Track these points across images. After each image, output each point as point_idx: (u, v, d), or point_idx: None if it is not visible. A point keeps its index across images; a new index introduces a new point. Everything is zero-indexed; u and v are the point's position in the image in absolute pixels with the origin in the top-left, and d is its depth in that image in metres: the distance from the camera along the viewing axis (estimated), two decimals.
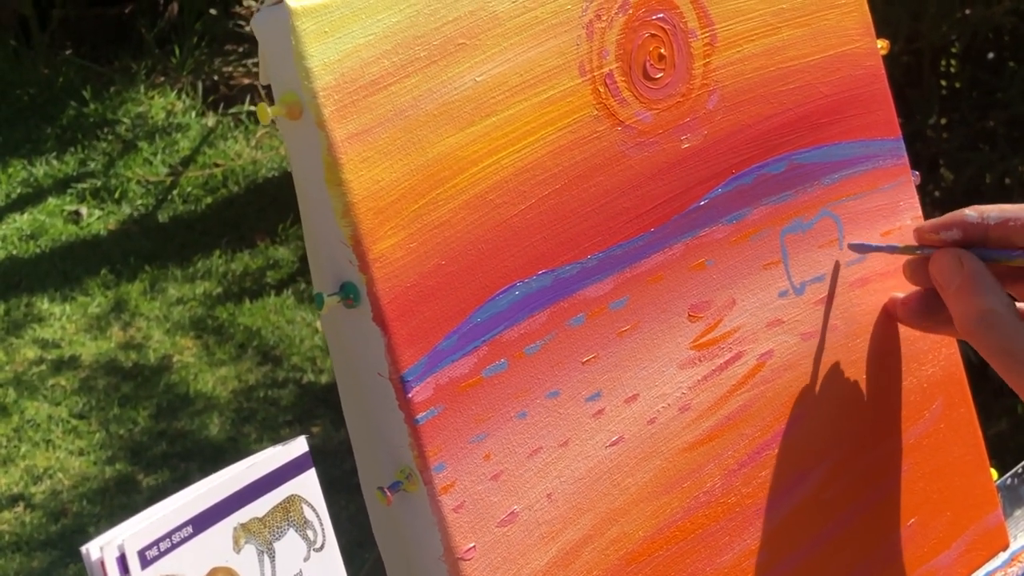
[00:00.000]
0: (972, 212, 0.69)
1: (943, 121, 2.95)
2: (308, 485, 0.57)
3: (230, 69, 4.61)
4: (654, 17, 0.66)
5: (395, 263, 0.57)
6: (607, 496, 0.63)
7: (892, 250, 0.73)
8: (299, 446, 0.57)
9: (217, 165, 4.08)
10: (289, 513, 0.56)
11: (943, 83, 3.05)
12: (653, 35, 0.66)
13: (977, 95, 3.00)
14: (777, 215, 0.71)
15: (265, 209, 3.90)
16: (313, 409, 3.01)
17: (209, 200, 3.96)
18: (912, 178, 0.78)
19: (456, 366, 0.58)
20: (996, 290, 0.67)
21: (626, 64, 0.65)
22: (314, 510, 0.57)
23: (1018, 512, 0.85)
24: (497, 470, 0.59)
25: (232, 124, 4.31)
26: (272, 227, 3.79)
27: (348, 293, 0.57)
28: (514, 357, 0.60)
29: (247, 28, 4.46)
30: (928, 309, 0.71)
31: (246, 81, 4.49)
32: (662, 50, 0.66)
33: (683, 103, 0.67)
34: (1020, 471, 0.86)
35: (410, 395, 0.57)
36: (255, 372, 3.16)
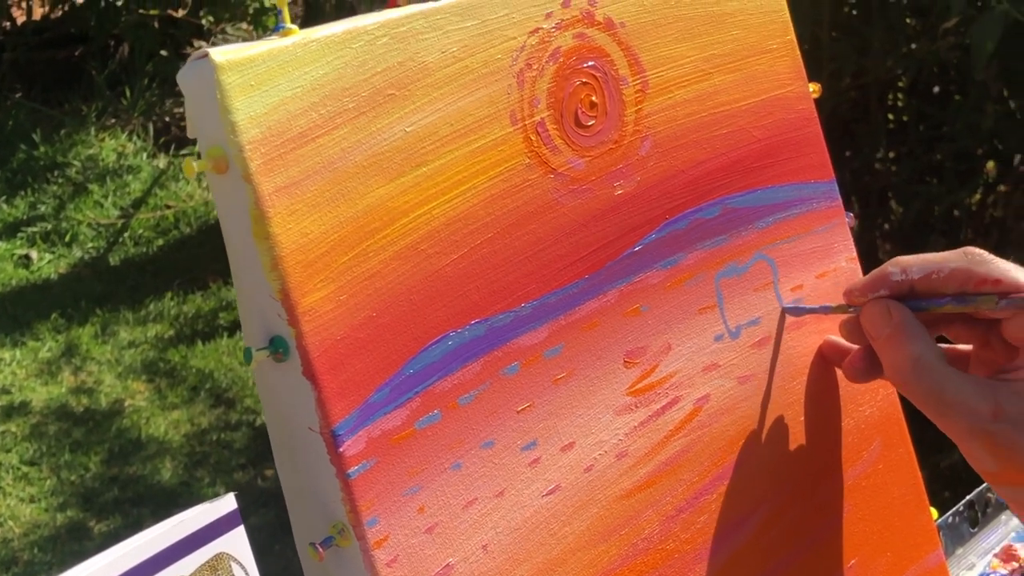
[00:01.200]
0: (894, 269, 0.69)
1: (891, 155, 2.98)
2: (237, 542, 0.57)
3: (181, 110, 4.60)
4: (585, 65, 0.66)
5: (325, 316, 0.57)
6: (544, 546, 0.63)
7: (826, 311, 0.73)
8: (228, 503, 0.56)
9: (168, 207, 4.06)
10: (217, 571, 0.55)
11: (890, 117, 3.08)
12: (584, 83, 0.66)
13: (924, 129, 3.04)
14: (712, 259, 0.71)
15: (217, 250, 3.87)
16: (267, 452, 2.98)
17: (161, 242, 3.94)
18: (847, 220, 0.78)
19: (388, 419, 0.58)
20: (924, 337, 0.67)
21: (557, 112, 0.65)
22: (243, 568, 0.56)
23: (960, 550, 0.85)
24: (431, 523, 0.59)
25: (183, 165, 4.29)
26: (224, 268, 3.74)
27: (277, 347, 0.56)
28: (448, 408, 0.60)
29: None
30: (870, 365, 0.71)
31: None
32: (593, 97, 0.67)
33: (616, 150, 0.67)
34: (961, 509, 0.87)
35: (341, 449, 0.56)
36: (208, 415, 3.13)
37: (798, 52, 0.77)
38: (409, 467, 0.59)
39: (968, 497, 0.86)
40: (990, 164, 3.16)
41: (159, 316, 3.56)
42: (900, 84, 2.96)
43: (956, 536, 0.85)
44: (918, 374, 0.66)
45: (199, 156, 0.56)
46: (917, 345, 0.67)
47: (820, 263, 0.76)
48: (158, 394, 3.21)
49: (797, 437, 0.73)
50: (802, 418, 0.74)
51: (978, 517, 0.87)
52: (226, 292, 3.68)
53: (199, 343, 3.43)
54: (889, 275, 0.69)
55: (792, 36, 0.77)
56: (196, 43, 4.53)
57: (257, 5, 4.56)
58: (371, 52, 0.59)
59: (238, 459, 2.97)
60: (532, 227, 0.64)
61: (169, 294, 3.65)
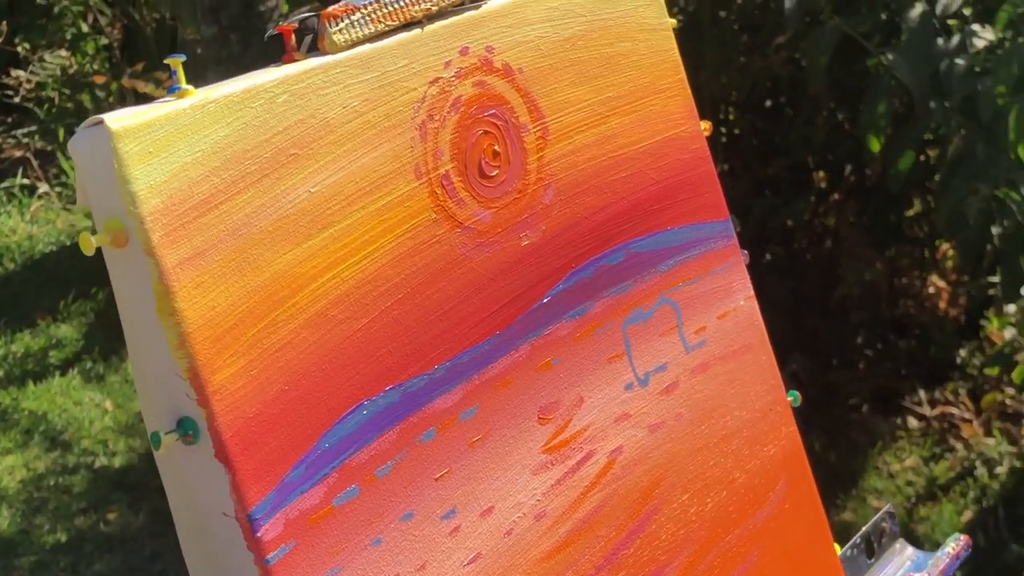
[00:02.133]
0: None
1: (727, 168, 3.02)
2: None
3: None
4: (486, 114, 0.64)
5: (236, 393, 0.53)
6: None
7: None
8: None
9: None
10: None
11: (723, 131, 3.12)
12: (487, 132, 0.64)
13: (757, 143, 3.09)
14: (618, 307, 0.69)
15: (44, 286, 3.75)
16: (108, 494, 2.88)
17: None
18: (742, 257, 0.78)
19: (306, 497, 0.55)
20: None
21: (461, 163, 0.63)
22: None
23: None
24: None
25: (4, 199, 4.15)
26: (53, 304, 3.65)
27: (187, 429, 0.53)
28: (365, 481, 0.57)
29: (16, 98, 4.31)
30: None
31: (17, 153, 4.33)
32: (496, 147, 0.64)
33: (520, 199, 0.65)
34: (858, 541, 0.87)
35: (259, 534, 0.53)
36: (44, 459, 3.01)
37: (689, 91, 0.76)
38: (329, 547, 0.56)
39: (864, 529, 0.86)
40: (820, 174, 3.23)
41: None
42: (732, 98, 3.00)
43: (855, 568, 0.85)
44: None
45: (93, 230, 0.52)
46: None
47: (720, 303, 0.75)
48: None
49: (708, 483, 0.72)
50: (711, 463, 0.72)
51: (874, 548, 0.87)
52: (55, 329, 3.55)
53: (30, 384, 3.30)
54: None
55: (683, 75, 0.76)
56: (13, 72, 4.37)
57: (75, 31, 4.43)
58: (271, 111, 0.56)
59: (78, 503, 2.86)
60: (441, 284, 0.61)
61: None
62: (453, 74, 0.63)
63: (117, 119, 0.51)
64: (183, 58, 0.55)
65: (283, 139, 0.56)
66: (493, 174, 0.64)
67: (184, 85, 0.54)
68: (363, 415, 0.57)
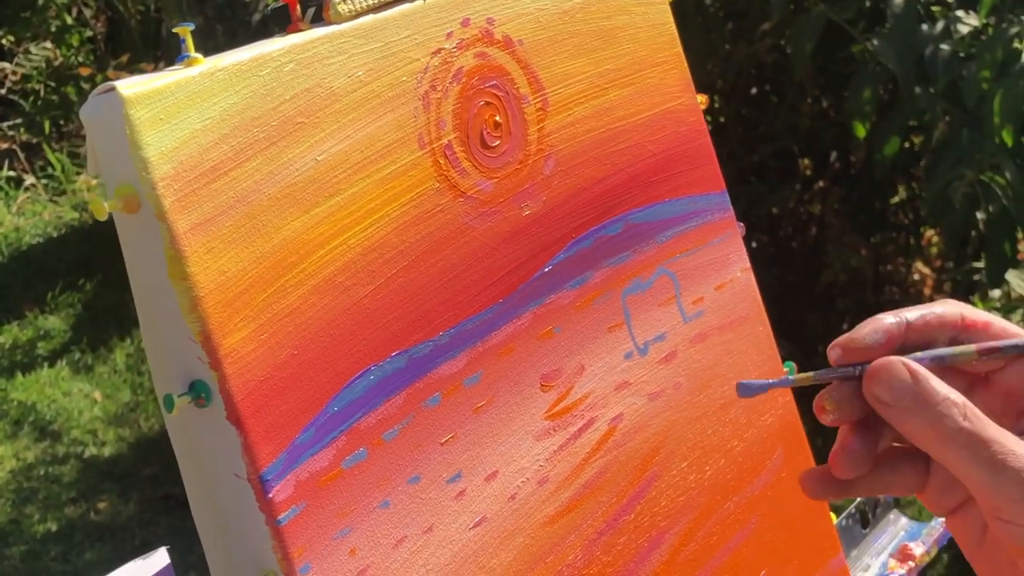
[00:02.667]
0: (886, 315, 0.60)
1: None
2: None
3: None
4: (487, 85, 0.65)
5: (247, 357, 0.54)
6: None
7: (786, 384, 0.61)
8: (160, 559, 0.53)
9: None
10: None
11: (708, 119, 3.14)
12: (488, 103, 0.65)
13: (742, 130, 3.10)
14: (617, 277, 0.70)
15: (31, 278, 3.75)
16: (98, 484, 2.89)
17: None
18: (738, 230, 0.79)
19: (315, 460, 0.56)
20: (959, 394, 0.57)
21: (464, 134, 0.64)
22: None
23: (854, 552, 0.86)
24: (363, 565, 0.57)
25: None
26: (40, 296, 3.65)
27: (199, 392, 0.53)
28: (373, 445, 0.58)
29: (1, 91, 4.30)
30: (867, 447, 0.59)
31: (3, 146, 4.32)
32: (497, 117, 0.65)
33: (521, 170, 0.66)
34: (853, 511, 0.88)
35: (270, 495, 0.54)
36: (33, 449, 3.02)
37: (685, 64, 0.77)
38: (338, 509, 0.56)
39: (858, 499, 0.87)
40: (805, 161, 3.24)
41: None
42: (718, 86, 3.01)
43: (850, 538, 0.86)
44: (968, 429, 0.55)
45: (94, 192, 0.53)
46: (957, 398, 0.56)
47: (717, 275, 0.76)
48: None
49: (706, 451, 0.73)
50: (710, 431, 0.73)
51: (868, 518, 0.88)
52: (43, 321, 3.55)
53: (19, 374, 3.30)
54: (883, 319, 0.60)
55: (679, 49, 0.76)
56: None
57: (59, 23, 4.43)
58: (278, 79, 0.57)
59: (68, 493, 2.86)
60: (445, 253, 0.62)
61: None
62: (455, 45, 0.64)
63: (128, 86, 0.52)
64: (191, 26, 0.55)
65: (290, 107, 0.57)
66: (494, 144, 0.65)
67: (193, 53, 0.55)
68: (370, 380, 0.58)
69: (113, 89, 0.52)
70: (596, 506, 0.67)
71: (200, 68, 0.54)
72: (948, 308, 0.61)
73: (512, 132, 0.66)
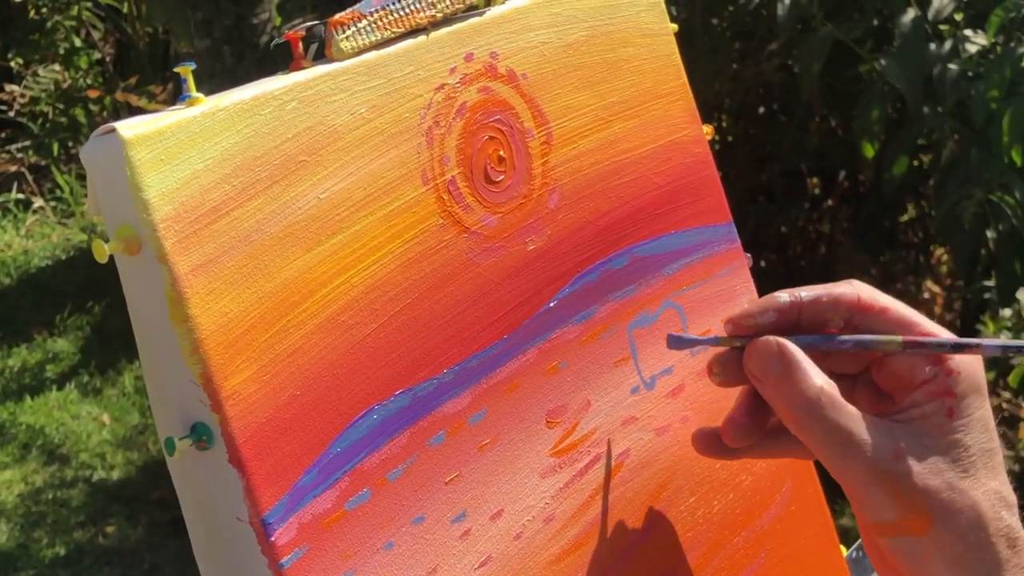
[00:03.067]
0: (782, 293, 0.65)
1: (720, 175, 3.03)
2: None
3: None
4: (491, 119, 0.65)
5: (249, 399, 0.53)
6: None
7: (714, 342, 0.67)
8: None
9: None
10: None
11: (716, 138, 3.13)
12: (492, 137, 0.65)
13: (750, 149, 3.10)
14: (623, 310, 0.70)
15: (40, 300, 3.75)
16: (106, 508, 2.88)
17: None
18: (745, 261, 0.78)
19: (318, 502, 0.55)
20: (820, 373, 0.63)
21: (467, 169, 0.63)
22: None
23: None
24: None
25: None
26: (49, 319, 3.65)
27: (201, 435, 0.53)
28: (376, 485, 0.57)
29: (10, 113, 4.31)
30: (753, 419, 0.66)
31: (12, 168, 4.33)
32: (501, 152, 0.65)
33: (525, 204, 0.66)
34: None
35: (273, 538, 0.53)
36: (41, 473, 3.01)
37: (691, 95, 0.76)
38: (342, 551, 0.56)
39: None
40: (814, 180, 3.24)
41: None
42: (725, 106, 3.01)
43: (860, 570, 0.85)
44: (821, 412, 0.61)
45: (103, 237, 0.52)
46: (816, 381, 0.62)
47: (725, 307, 0.75)
48: None
49: (714, 485, 0.73)
50: (718, 466, 0.73)
51: None
52: (51, 344, 3.56)
53: (27, 398, 3.30)
54: (777, 298, 0.65)
55: (684, 80, 0.76)
56: (7, 87, 4.38)
57: (68, 45, 4.44)
58: (280, 118, 0.56)
59: (76, 517, 2.86)
60: (449, 289, 0.62)
61: None
62: (458, 80, 0.63)
63: (129, 127, 0.52)
64: (193, 66, 0.55)
65: (292, 146, 0.57)
66: (499, 179, 0.65)
67: (194, 93, 0.54)
68: (374, 419, 0.58)
69: (114, 131, 0.51)
70: (603, 544, 0.66)
71: (202, 108, 0.54)
72: (846, 290, 0.65)
73: (516, 166, 0.66)
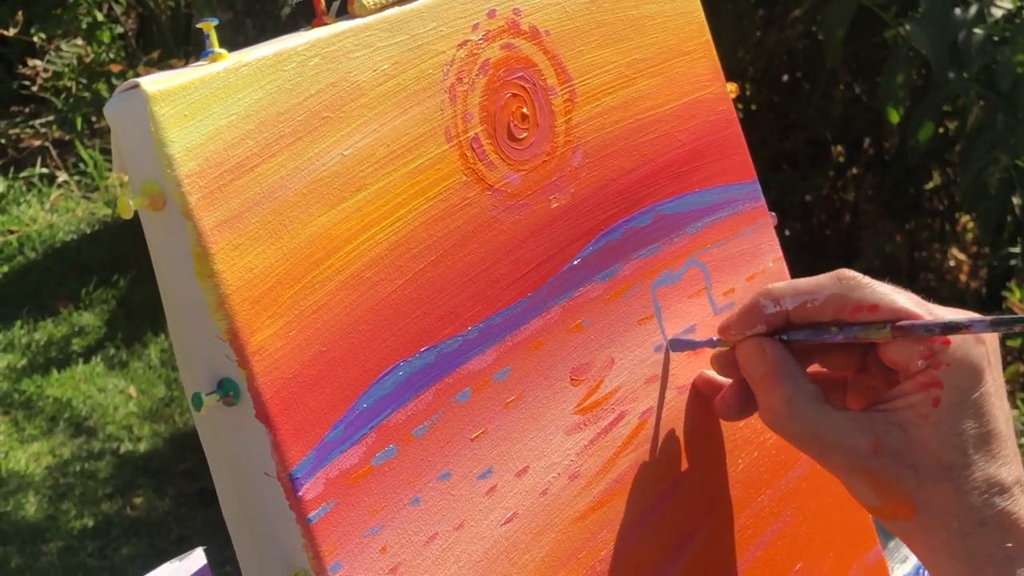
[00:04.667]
0: (767, 302, 0.66)
1: None
2: None
3: (17, 131, 4.46)
4: (514, 76, 0.65)
5: (275, 354, 0.54)
6: None
7: (712, 344, 0.69)
8: (197, 559, 0.53)
9: (11, 232, 3.93)
10: None
11: (740, 106, 3.12)
12: (515, 95, 0.64)
13: (774, 117, 3.08)
14: (647, 268, 0.70)
15: (65, 274, 3.77)
16: (134, 479, 2.90)
17: (5, 269, 3.81)
18: (770, 219, 0.78)
19: (345, 457, 0.55)
20: (797, 377, 0.65)
21: (491, 126, 0.63)
22: None
23: (892, 543, 0.85)
24: (395, 562, 0.56)
25: (24, 188, 4.17)
26: (75, 292, 3.67)
27: (227, 390, 0.53)
28: (403, 441, 0.58)
29: (33, 88, 4.32)
30: (744, 402, 0.68)
31: (36, 143, 4.34)
32: (524, 109, 0.65)
33: (549, 162, 0.66)
34: None
35: (300, 493, 0.54)
36: (69, 445, 3.03)
37: (715, 53, 0.76)
38: (369, 506, 0.56)
39: None
40: (838, 148, 3.22)
41: (10, 346, 3.44)
42: (749, 73, 3.00)
43: (888, 530, 0.85)
44: (792, 416, 0.64)
45: (119, 191, 0.53)
46: (790, 386, 0.64)
47: (749, 265, 0.75)
48: (15, 426, 3.10)
49: (738, 444, 0.72)
50: (742, 424, 0.73)
51: None
52: (77, 317, 3.57)
53: (54, 371, 3.32)
54: (762, 308, 0.66)
55: (708, 37, 0.76)
56: (29, 61, 4.38)
57: (90, 20, 4.44)
58: (303, 74, 0.56)
59: (104, 489, 2.88)
60: (473, 247, 0.62)
61: (18, 322, 3.53)
62: (481, 37, 0.63)
63: (153, 82, 0.52)
64: (215, 22, 0.55)
65: (315, 102, 0.56)
66: (522, 137, 0.64)
67: (217, 49, 0.54)
68: (399, 376, 0.58)
69: (137, 86, 0.51)
70: (628, 500, 0.66)
71: (224, 64, 0.54)
72: (833, 291, 0.65)
73: (540, 124, 0.65)
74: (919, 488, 0.62)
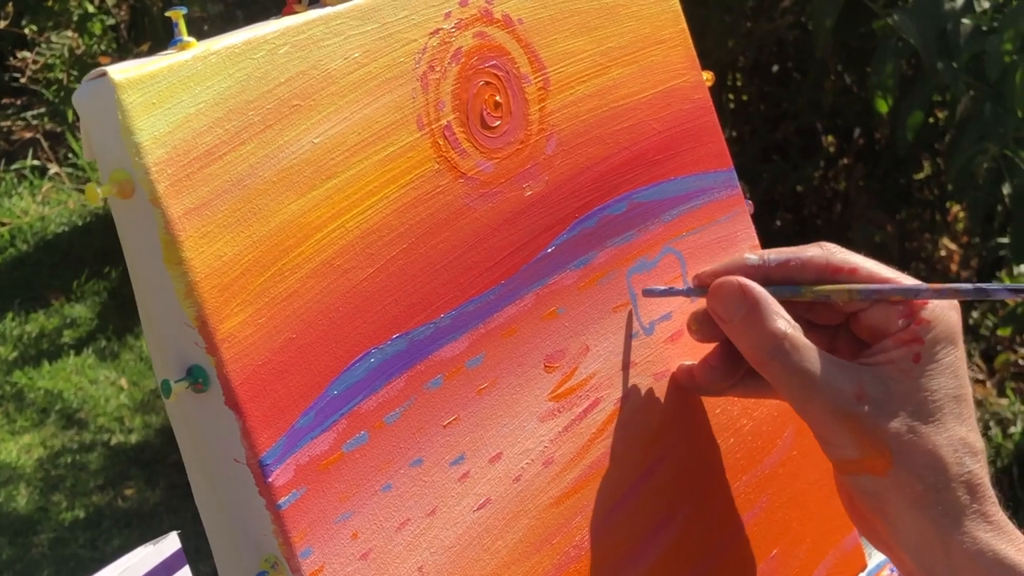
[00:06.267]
0: (752, 255, 0.67)
1: (734, 134, 3.02)
2: None
3: (8, 123, 4.45)
4: (487, 64, 0.65)
5: (244, 341, 0.54)
6: (478, 562, 0.61)
7: (688, 293, 0.70)
8: (171, 544, 0.53)
9: (3, 224, 3.93)
10: None
11: (731, 97, 3.12)
12: (488, 83, 0.65)
13: (765, 108, 3.09)
14: (622, 256, 0.70)
15: (57, 266, 3.77)
16: (125, 471, 2.90)
17: None
18: (747, 207, 0.78)
19: (315, 443, 0.56)
20: (784, 314, 0.64)
21: (463, 114, 0.63)
22: None
23: None
24: (366, 548, 0.57)
25: (15, 180, 4.16)
26: (66, 284, 3.67)
27: (196, 377, 0.53)
28: (374, 428, 0.58)
29: (23, 80, 4.31)
30: (728, 362, 0.68)
31: (27, 135, 4.34)
32: (497, 97, 0.65)
33: (523, 150, 0.66)
34: None
35: (270, 479, 0.54)
36: (60, 437, 3.04)
37: (690, 41, 0.76)
38: (340, 492, 0.56)
39: None
40: (829, 138, 3.22)
41: (1, 337, 3.44)
42: (739, 64, 3.00)
43: None
44: (783, 353, 0.63)
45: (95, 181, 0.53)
46: (779, 321, 0.64)
47: (725, 253, 0.75)
48: (6, 418, 3.10)
49: (714, 431, 0.73)
50: (718, 411, 0.73)
51: None
52: (69, 309, 3.57)
53: (45, 363, 3.32)
54: (746, 260, 0.67)
55: (683, 25, 0.76)
56: (19, 53, 4.38)
57: (81, 12, 4.44)
58: (273, 62, 0.56)
59: (95, 480, 2.88)
60: (446, 235, 0.62)
61: (10, 314, 3.53)
62: (453, 25, 0.63)
63: (120, 71, 0.52)
64: (184, 11, 0.55)
65: (285, 90, 0.57)
66: (495, 125, 0.65)
67: (186, 37, 0.54)
68: (371, 363, 0.58)
69: (105, 74, 0.52)
70: (602, 487, 0.67)
71: (193, 52, 0.54)
72: (815, 253, 0.66)
73: (513, 112, 0.65)
74: (898, 438, 0.63)
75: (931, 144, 2.97)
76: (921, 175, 3.15)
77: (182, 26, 0.55)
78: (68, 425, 3.08)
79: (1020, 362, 2.86)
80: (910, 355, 0.64)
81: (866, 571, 0.81)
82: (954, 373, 0.64)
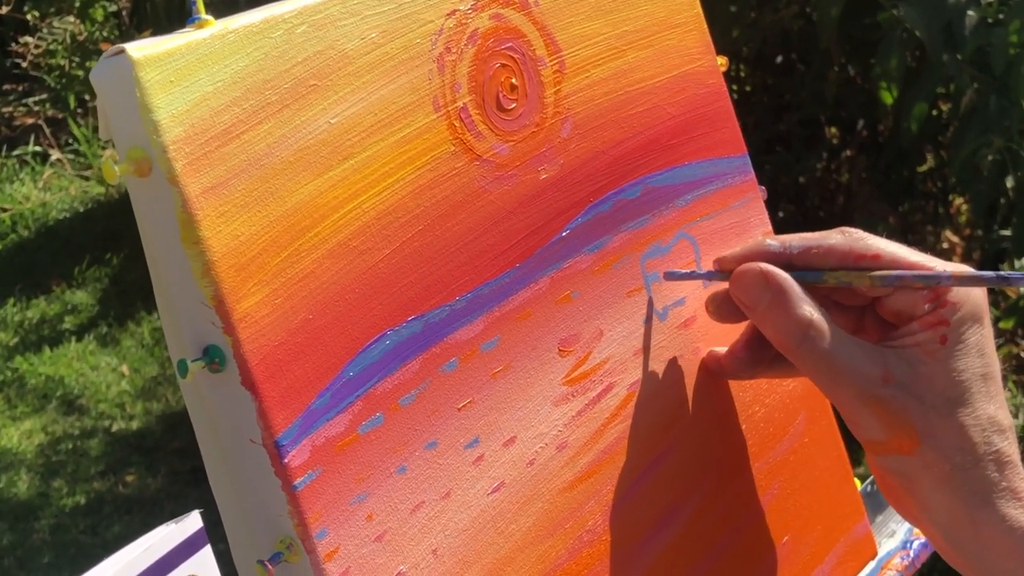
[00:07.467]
0: (773, 241, 0.67)
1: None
2: (205, 563, 0.53)
3: (10, 109, 4.45)
4: (503, 47, 0.64)
5: (261, 321, 0.54)
6: (492, 545, 0.61)
7: (711, 276, 0.70)
8: (193, 522, 0.53)
9: (4, 210, 3.92)
10: None
11: (734, 87, 3.12)
12: (504, 65, 0.64)
13: (768, 99, 3.08)
14: (636, 240, 0.70)
15: (58, 252, 3.76)
16: (126, 457, 2.90)
17: None
18: (760, 193, 0.78)
19: (331, 425, 0.55)
20: (810, 300, 0.64)
21: (479, 96, 0.63)
22: None
23: (880, 518, 0.86)
24: (380, 530, 0.57)
25: (17, 166, 4.16)
26: (67, 271, 3.66)
27: (213, 357, 0.53)
28: (389, 410, 0.58)
29: (24, 65, 4.31)
30: (755, 352, 0.69)
31: (29, 121, 4.33)
32: (513, 80, 0.65)
33: (538, 133, 0.65)
34: None
35: (286, 460, 0.54)
36: (61, 423, 3.03)
37: (705, 26, 0.76)
38: (355, 474, 0.56)
39: None
40: (832, 130, 3.22)
41: (2, 323, 3.43)
42: (743, 54, 2.99)
43: (875, 504, 0.85)
44: (810, 339, 0.63)
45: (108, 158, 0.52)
46: (805, 308, 0.64)
47: (738, 238, 0.75)
48: (7, 404, 3.10)
49: (727, 417, 0.73)
50: (731, 397, 0.73)
51: None
52: (70, 295, 3.57)
53: (46, 349, 3.32)
54: (767, 246, 0.67)
55: (699, 9, 0.75)
56: (21, 39, 4.37)
57: None
58: (290, 42, 0.56)
59: (96, 467, 2.88)
60: (461, 217, 0.62)
61: (11, 300, 3.53)
62: (470, 7, 0.63)
63: (138, 48, 0.51)
64: None
65: (302, 70, 0.56)
66: (511, 107, 0.64)
67: (203, 15, 0.54)
68: (386, 344, 0.58)
69: (123, 52, 0.51)
70: (615, 472, 0.66)
71: (211, 30, 0.54)
72: (838, 240, 0.66)
73: (528, 95, 0.65)
74: (925, 419, 0.63)
75: (934, 136, 2.97)
76: (924, 167, 3.15)
77: (200, 4, 0.54)
78: (69, 411, 3.08)
79: (1022, 355, 2.86)
80: (936, 337, 0.64)
81: (877, 559, 0.81)
82: (980, 352, 0.65)
